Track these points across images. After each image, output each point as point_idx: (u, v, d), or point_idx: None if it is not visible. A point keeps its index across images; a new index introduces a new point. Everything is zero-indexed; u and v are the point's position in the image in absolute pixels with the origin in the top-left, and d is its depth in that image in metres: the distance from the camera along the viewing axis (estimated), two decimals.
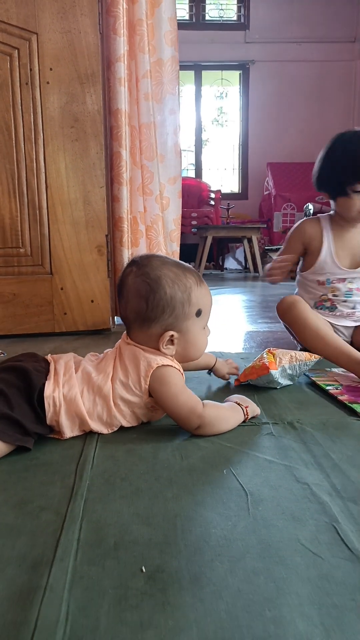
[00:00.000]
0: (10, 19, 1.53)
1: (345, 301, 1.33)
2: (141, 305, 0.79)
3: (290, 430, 0.82)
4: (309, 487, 0.63)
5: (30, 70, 1.56)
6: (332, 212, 1.37)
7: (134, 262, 0.83)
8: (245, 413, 0.85)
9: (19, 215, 1.62)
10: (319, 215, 1.41)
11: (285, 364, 1.03)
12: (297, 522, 0.55)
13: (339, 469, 0.68)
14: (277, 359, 1.03)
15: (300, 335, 1.23)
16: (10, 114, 1.56)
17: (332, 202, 1.34)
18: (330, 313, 1.34)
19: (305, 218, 1.44)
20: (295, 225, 1.40)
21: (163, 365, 0.79)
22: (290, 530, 0.54)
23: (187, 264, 0.85)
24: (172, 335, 0.80)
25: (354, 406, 0.95)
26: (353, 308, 1.34)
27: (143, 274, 0.80)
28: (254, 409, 0.87)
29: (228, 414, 0.83)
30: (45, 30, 1.55)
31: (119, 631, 0.40)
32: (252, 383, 1.05)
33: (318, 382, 1.09)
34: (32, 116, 1.58)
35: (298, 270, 1.43)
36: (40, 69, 1.56)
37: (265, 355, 1.04)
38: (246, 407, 0.85)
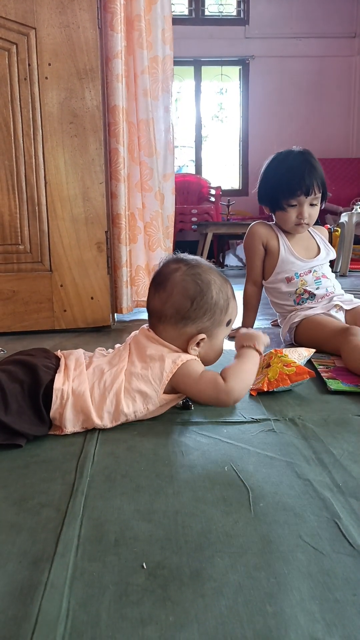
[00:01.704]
0: (9, 14, 1.52)
1: (318, 288, 1.41)
2: (185, 304, 0.81)
3: (292, 426, 0.82)
4: (310, 483, 0.63)
5: (29, 65, 1.55)
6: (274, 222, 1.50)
7: (181, 260, 0.85)
8: (258, 352, 0.84)
9: (18, 211, 1.61)
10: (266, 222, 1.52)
11: (301, 361, 1.02)
12: (299, 518, 0.55)
13: (340, 465, 0.68)
14: (295, 359, 0.99)
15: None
16: (9, 109, 1.55)
17: (273, 215, 1.46)
18: (314, 302, 1.40)
19: (253, 222, 1.51)
20: (248, 231, 1.49)
21: (187, 360, 0.81)
22: (291, 526, 0.54)
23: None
24: (202, 338, 0.83)
25: (329, 381, 0.97)
26: (327, 290, 1.42)
27: (195, 274, 0.82)
28: (262, 341, 0.86)
29: (246, 367, 0.82)
30: (43, 25, 1.54)
31: (120, 627, 0.40)
32: (278, 390, 0.96)
33: (313, 361, 1.14)
34: (30, 112, 1.57)
35: (263, 281, 1.52)
36: (38, 64, 1.55)
37: (286, 358, 0.98)
38: (254, 345, 0.84)
